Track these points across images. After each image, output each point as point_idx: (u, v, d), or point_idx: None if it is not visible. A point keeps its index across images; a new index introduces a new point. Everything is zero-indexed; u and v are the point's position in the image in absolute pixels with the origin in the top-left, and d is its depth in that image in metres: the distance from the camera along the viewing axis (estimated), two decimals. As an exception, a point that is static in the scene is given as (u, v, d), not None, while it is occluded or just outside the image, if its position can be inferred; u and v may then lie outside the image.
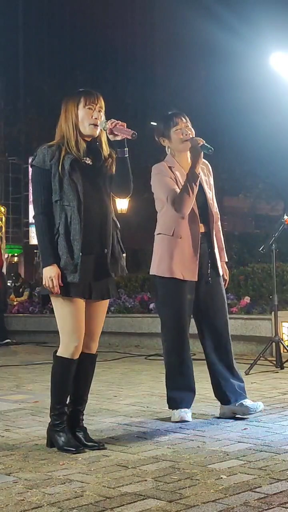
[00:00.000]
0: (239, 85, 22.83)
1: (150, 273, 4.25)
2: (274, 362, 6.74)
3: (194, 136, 4.15)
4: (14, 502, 2.65)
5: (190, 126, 4.20)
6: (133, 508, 2.55)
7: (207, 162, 4.31)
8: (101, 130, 3.53)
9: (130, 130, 3.45)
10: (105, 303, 3.65)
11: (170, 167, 4.17)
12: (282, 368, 6.62)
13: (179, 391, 4.18)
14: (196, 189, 4.06)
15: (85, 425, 3.60)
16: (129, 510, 2.53)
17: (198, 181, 4.08)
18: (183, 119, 4.18)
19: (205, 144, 4.06)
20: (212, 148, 4.06)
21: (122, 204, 21.72)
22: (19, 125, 32.54)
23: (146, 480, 2.90)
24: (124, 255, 3.65)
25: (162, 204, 4.18)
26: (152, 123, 28.11)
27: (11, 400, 5.14)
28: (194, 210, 4.12)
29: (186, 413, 4.11)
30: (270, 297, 6.96)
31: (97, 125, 3.50)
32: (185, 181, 4.05)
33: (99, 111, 3.53)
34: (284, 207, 22.84)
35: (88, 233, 3.44)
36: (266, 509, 2.49)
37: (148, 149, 25.55)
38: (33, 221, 3.58)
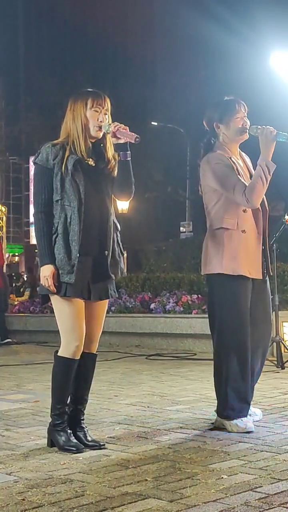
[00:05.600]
0: (239, 84, 22.82)
1: (211, 272, 3.90)
2: (275, 362, 6.74)
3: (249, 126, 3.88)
4: (15, 502, 2.65)
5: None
6: (134, 508, 2.55)
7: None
8: (105, 132, 3.52)
9: (133, 133, 3.45)
10: (105, 303, 3.65)
11: (228, 157, 3.90)
12: (283, 368, 6.62)
13: (240, 400, 3.83)
14: (269, 179, 3.76)
15: (85, 425, 3.59)
16: (129, 510, 2.53)
17: (273, 170, 3.78)
18: (243, 108, 3.94)
19: (280, 132, 3.77)
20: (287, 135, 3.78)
21: (123, 204, 21.74)
22: (20, 125, 32.57)
23: (146, 480, 2.89)
24: (125, 256, 3.65)
25: (219, 197, 3.88)
26: (152, 123, 28.16)
27: (12, 399, 5.14)
28: None
29: (248, 423, 3.78)
30: (271, 297, 6.95)
31: (101, 128, 3.50)
32: (259, 170, 3.75)
33: (105, 113, 3.53)
34: (285, 207, 22.82)
35: (87, 234, 3.43)
36: (267, 509, 2.49)
37: (147, 150, 25.60)
38: (33, 219, 3.58)
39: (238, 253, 3.82)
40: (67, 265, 3.40)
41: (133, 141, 3.45)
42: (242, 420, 3.78)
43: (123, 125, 3.49)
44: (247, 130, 3.92)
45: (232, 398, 3.83)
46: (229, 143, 3.97)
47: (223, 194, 3.88)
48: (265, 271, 3.99)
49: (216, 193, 3.91)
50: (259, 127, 3.86)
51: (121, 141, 3.48)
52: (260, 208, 3.90)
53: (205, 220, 4.04)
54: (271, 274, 4.08)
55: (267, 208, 4.03)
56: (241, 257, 3.82)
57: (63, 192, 3.43)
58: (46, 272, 3.41)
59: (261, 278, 3.90)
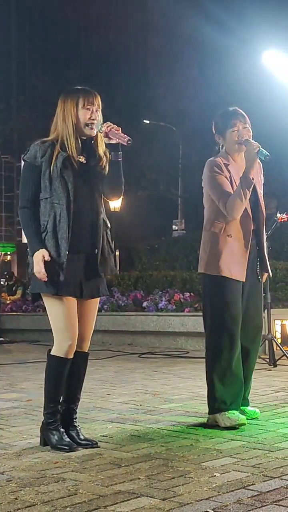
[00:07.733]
0: (231, 82, 22.86)
1: (198, 271, 4.11)
2: (267, 360, 6.76)
3: (250, 137, 3.99)
4: (8, 501, 2.65)
5: (249, 127, 4.03)
6: (127, 506, 2.55)
7: (258, 160, 4.13)
8: (97, 131, 3.51)
9: (125, 136, 3.43)
10: (96, 301, 3.64)
11: (225, 164, 4.00)
12: (275, 365, 6.64)
13: (231, 394, 3.89)
14: (249, 195, 3.89)
15: (78, 423, 3.59)
16: (122, 508, 2.53)
17: (251, 187, 3.90)
18: (241, 119, 4.02)
19: (262, 149, 3.89)
20: (269, 155, 3.90)
21: (115, 202, 21.71)
22: (12, 123, 32.50)
23: (139, 478, 2.89)
24: (117, 253, 3.64)
25: (212, 201, 4.01)
26: (144, 121, 28.16)
27: (4, 398, 5.13)
28: (247, 208, 3.97)
29: (240, 415, 3.83)
30: (263, 294, 6.97)
31: (94, 126, 3.49)
32: (238, 186, 3.90)
33: (96, 110, 3.52)
34: (277, 205, 22.88)
35: (78, 232, 3.42)
36: (259, 507, 2.49)
37: (140, 148, 25.59)
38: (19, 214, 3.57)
39: (221, 256, 3.94)
40: (57, 264, 3.39)
41: (125, 144, 3.44)
42: (233, 413, 3.83)
43: (116, 126, 3.47)
44: (242, 143, 3.98)
45: (223, 392, 3.89)
46: (230, 152, 4.06)
47: None
48: (257, 272, 4.09)
49: (210, 197, 4.04)
50: (251, 141, 3.94)
51: (113, 142, 3.47)
52: (249, 213, 3.99)
53: (202, 219, 4.17)
54: (266, 276, 4.16)
55: (264, 212, 4.12)
56: (223, 260, 3.93)
57: (52, 190, 3.42)
58: (38, 257, 3.37)
59: (244, 280, 3.97)
